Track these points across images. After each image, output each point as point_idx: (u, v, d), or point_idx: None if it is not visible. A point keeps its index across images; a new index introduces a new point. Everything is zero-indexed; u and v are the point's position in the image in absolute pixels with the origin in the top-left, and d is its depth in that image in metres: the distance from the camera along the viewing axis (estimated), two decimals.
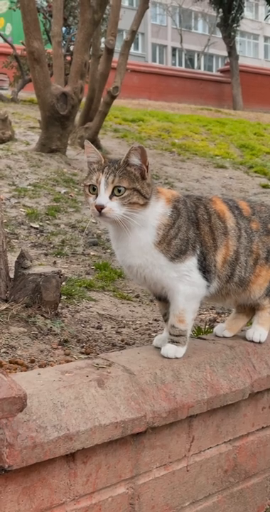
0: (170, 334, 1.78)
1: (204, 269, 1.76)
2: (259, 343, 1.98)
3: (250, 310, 2.00)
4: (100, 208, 1.63)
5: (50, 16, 10.91)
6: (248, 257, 1.85)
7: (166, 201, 1.74)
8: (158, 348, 1.83)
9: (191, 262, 1.72)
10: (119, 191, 1.64)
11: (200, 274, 1.74)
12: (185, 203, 1.78)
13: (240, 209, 1.89)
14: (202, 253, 1.75)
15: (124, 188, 1.64)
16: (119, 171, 1.64)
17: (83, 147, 7.75)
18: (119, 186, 1.64)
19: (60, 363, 1.89)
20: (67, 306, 2.64)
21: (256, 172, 8.21)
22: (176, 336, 1.77)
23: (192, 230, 1.74)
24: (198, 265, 1.74)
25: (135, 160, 1.65)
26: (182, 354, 1.78)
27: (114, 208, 1.63)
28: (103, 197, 1.63)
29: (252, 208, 1.92)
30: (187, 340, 1.79)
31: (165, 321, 1.85)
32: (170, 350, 1.78)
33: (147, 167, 1.67)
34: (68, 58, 10.28)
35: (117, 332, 2.41)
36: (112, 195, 1.64)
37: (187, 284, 1.72)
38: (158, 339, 1.88)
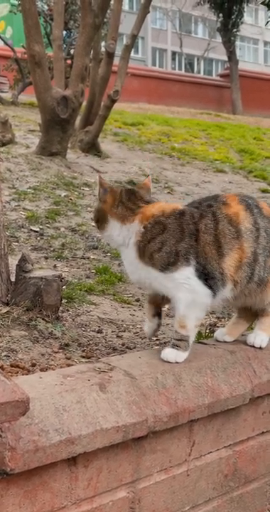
0: (173, 338, 1.79)
1: (208, 277, 1.75)
2: (260, 348, 1.99)
3: (251, 315, 2.00)
4: None
5: (51, 19, 10.93)
6: (267, 258, 1.82)
7: (142, 219, 1.79)
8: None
9: (186, 272, 1.73)
10: None
11: (200, 282, 1.74)
12: (180, 216, 1.79)
13: (260, 208, 1.86)
14: (200, 263, 1.75)
15: None
16: None
17: (83, 150, 7.81)
18: None
19: (61, 367, 1.90)
20: (68, 310, 2.64)
21: (255, 177, 8.22)
22: (178, 340, 1.78)
23: (184, 242, 1.74)
24: (197, 274, 1.74)
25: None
26: (183, 359, 1.78)
27: None
28: None
29: None
30: (189, 346, 1.79)
31: None
32: (170, 354, 1.78)
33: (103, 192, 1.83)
34: (68, 62, 10.31)
35: (118, 336, 2.41)
36: None
37: (186, 292, 1.73)
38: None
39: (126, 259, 1.83)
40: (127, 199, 1.83)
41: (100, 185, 1.84)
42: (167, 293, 1.77)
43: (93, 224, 1.90)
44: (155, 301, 1.92)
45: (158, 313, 1.93)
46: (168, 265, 1.73)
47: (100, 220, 1.84)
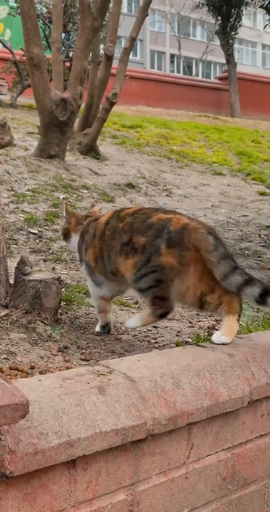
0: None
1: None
2: (222, 344, 2.02)
3: (230, 304, 2.08)
4: None
5: (50, 22, 10.96)
6: (109, 252, 2.24)
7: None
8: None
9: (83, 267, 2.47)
10: None
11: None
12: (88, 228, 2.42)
13: (121, 211, 2.29)
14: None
15: None
16: None
17: (82, 153, 7.83)
18: None
19: (60, 370, 1.90)
20: (67, 313, 2.65)
21: (253, 179, 8.24)
22: None
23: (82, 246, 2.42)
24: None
25: None
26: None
27: None
28: None
29: (135, 211, 2.23)
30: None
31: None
32: None
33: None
34: (67, 64, 10.32)
35: (116, 339, 2.41)
36: None
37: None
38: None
39: None
40: (84, 219, 2.49)
41: (66, 212, 2.54)
42: None
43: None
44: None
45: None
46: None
47: (66, 235, 2.55)
